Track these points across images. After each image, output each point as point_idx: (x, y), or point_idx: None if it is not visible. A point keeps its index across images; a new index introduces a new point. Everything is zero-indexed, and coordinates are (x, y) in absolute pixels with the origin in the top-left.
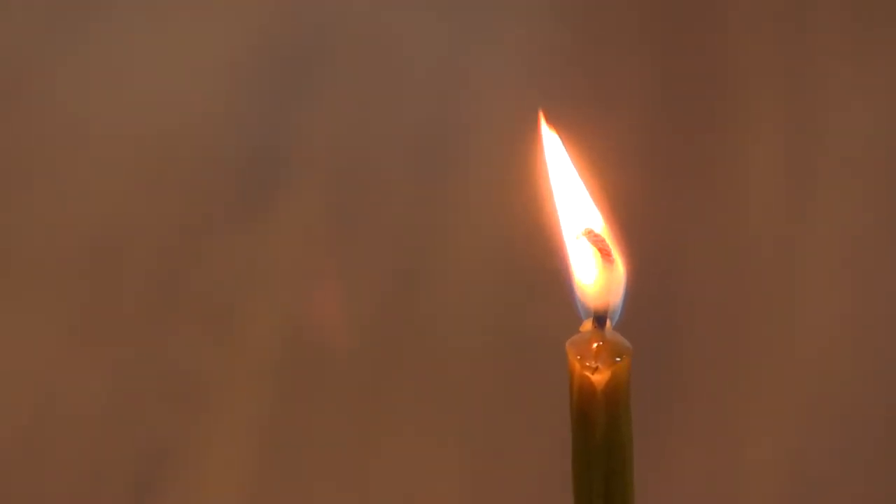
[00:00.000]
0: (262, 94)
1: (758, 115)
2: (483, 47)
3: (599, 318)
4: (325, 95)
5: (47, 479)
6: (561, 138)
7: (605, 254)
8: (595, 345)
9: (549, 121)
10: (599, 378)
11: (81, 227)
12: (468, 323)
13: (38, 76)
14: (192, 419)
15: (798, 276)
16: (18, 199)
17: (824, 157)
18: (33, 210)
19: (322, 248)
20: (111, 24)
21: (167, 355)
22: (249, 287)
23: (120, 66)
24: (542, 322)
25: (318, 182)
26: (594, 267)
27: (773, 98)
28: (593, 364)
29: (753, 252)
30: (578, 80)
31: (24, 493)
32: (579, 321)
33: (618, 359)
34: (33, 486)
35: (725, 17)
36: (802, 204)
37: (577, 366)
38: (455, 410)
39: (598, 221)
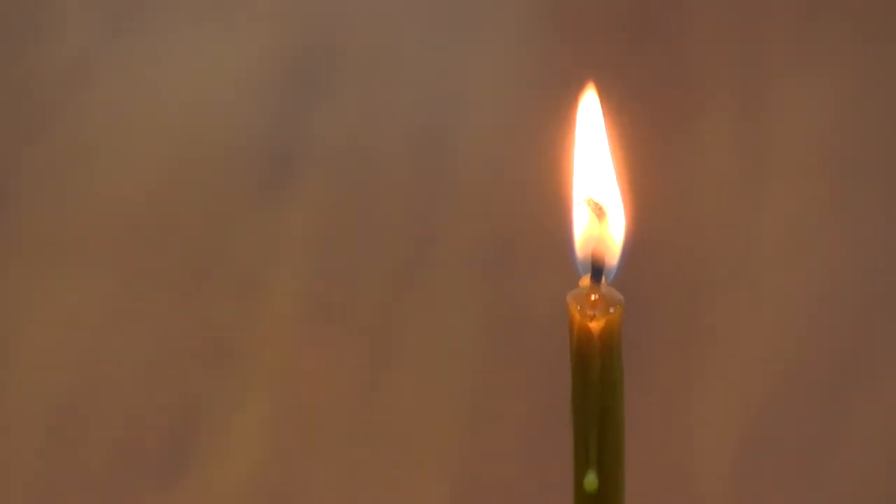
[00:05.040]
0: (278, 99)
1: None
2: (476, 48)
3: (596, 274)
4: (335, 98)
5: (92, 432)
6: (603, 111)
7: (599, 213)
8: (592, 297)
9: (598, 91)
10: (596, 325)
11: (130, 208)
12: (470, 293)
13: (95, 77)
14: (225, 378)
15: (752, 251)
16: (75, 179)
17: (774, 138)
18: (88, 190)
19: (334, 230)
20: (147, 38)
21: (202, 322)
22: (272, 262)
23: (159, 73)
24: (539, 287)
25: (329, 172)
26: (590, 222)
27: (726, 88)
28: (591, 313)
29: (709, 225)
30: (563, 69)
31: (72, 441)
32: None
33: (612, 309)
34: (80, 437)
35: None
36: (755, 183)
37: (576, 315)
38: (461, 356)
39: (608, 186)
